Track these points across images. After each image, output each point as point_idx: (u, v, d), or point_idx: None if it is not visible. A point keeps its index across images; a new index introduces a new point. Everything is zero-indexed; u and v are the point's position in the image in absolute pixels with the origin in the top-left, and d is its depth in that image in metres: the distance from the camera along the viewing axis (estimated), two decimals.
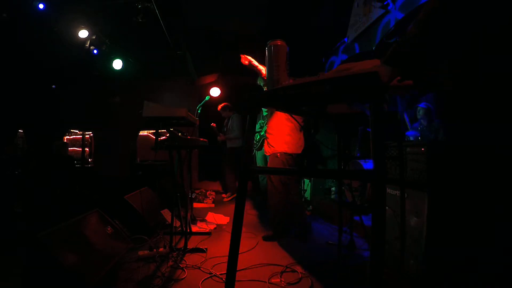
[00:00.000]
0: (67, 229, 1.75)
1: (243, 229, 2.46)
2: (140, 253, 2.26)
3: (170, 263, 2.17)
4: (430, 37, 0.81)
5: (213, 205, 4.51)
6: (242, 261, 2.22)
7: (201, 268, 2.10)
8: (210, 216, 3.55)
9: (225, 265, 1.22)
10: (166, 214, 3.26)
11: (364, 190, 3.18)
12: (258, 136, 4.46)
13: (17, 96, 4.93)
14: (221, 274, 1.99)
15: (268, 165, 2.94)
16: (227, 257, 1.05)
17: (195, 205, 3.64)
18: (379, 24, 3.32)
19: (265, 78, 1.98)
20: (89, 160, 5.92)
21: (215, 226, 3.23)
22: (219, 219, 3.51)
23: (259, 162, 4.11)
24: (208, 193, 5.27)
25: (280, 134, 2.81)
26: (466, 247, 0.81)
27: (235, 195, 5.08)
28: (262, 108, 3.59)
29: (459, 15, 0.79)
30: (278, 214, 2.80)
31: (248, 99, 1.09)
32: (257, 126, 4.44)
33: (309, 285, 1.88)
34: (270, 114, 2.96)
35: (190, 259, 2.27)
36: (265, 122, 4.37)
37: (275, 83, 1.15)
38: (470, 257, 0.80)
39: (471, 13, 0.78)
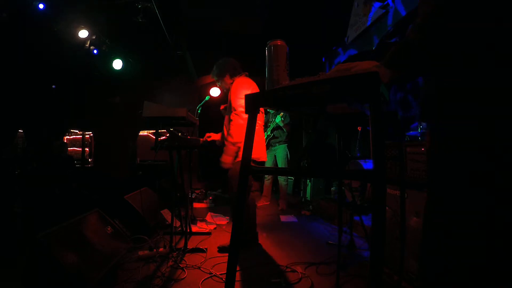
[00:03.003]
0: (67, 229, 1.75)
1: None
2: (140, 253, 2.26)
3: (170, 263, 2.17)
4: (428, 41, 0.82)
5: (213, 205, 4.51)
6: (242, 261, 2.23)
7: (201, 268, 2.10)
8: (210, 216, 3.55)
9: (225, 265, 1.22)
10: (166, 214, 3.27)
11: (364, 190, 3.18)
12: (265, 135, 4.47)
13: (17, 96, 4.93)
14: (221, 274, 1.99)
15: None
16: (227, 257, 1.05)
17: (195, 205, 3.64)
18: (379, 24, 3.32)
19: None
20: (89, 160, 5.93)
21: (215, 226, 3.23)
22: (219, 219, 3.51)
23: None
24: (208, 193, 5.27)
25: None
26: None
27: None
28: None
29: (456, 19, 0.79)
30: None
31: (247, 99, 1.09)
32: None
33: (309, 285, 1.88)
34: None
35: (190, 259, 2.27)
36: (269, 120, 4.37)
37: (275, 83, 1.15)
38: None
39: (469, 16, 0.78)
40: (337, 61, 4.75)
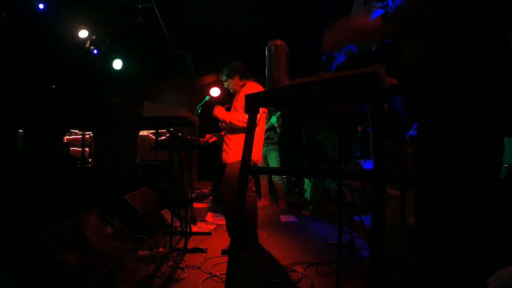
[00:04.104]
0: (67, 229, 1.75)
1: None
2: (140, 253, 2.26)
3: (170, 263, 2.18)
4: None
5: (213, 205, 4.51)
6: (242, 261, 2.22)
7: (201, 268, 2.10)
8: (210, 216, 3.55)
9: (225, 265, 1.22)
10: (166, 214, 3.27)
11: (364, 190, 3.18)
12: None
13: (17, 96, 4.92)
14: (221, 274, 1.99)
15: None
16: (227, 257, 1.05)
17: (195, 205, 3.64)
18: None
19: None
20: (89, 160, 5.92)
21: (215, 226, 3.23)
22: (219, 219, 3.51)
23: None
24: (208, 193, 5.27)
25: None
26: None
27: None
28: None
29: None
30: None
31: (248, 99, 1.09)
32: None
33: (309, 285, 1.88)
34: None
35: (190, 259, 2.27)
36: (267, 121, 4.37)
37: (275, 83, 1.15)
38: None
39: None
40: (336, 62, 4.74)
